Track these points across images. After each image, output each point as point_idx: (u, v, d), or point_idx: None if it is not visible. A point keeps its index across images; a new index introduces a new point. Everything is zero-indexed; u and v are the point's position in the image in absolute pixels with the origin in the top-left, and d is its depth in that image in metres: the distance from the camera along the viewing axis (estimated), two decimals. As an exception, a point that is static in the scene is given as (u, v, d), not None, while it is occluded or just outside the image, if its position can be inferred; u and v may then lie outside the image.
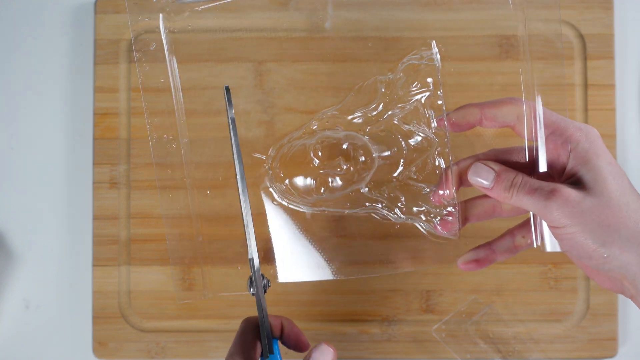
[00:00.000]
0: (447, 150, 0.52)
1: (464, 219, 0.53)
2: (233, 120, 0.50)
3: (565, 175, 0.48)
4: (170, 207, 0.54)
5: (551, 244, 0.49)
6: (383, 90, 0.54)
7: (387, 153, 0.54)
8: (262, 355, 0.50)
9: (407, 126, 0.54)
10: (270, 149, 0.55)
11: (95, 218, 0.67)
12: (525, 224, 0.51)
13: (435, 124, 0.53)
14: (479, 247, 0.52)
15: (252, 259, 0.49)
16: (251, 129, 0.64)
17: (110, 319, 0.67)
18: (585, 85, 0.68)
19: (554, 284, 0.67)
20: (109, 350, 0.67)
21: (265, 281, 0.50)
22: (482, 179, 0.48)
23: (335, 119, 0.55)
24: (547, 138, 0.48)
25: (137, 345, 0.67)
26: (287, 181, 0.54)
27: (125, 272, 0.67)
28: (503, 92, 0.65)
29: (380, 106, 0.54)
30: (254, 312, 0.50)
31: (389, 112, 0.54)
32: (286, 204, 0.55)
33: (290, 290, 0.67)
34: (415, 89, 0.53)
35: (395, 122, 0.54)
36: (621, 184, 0.46)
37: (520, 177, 0.47)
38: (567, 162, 0.47)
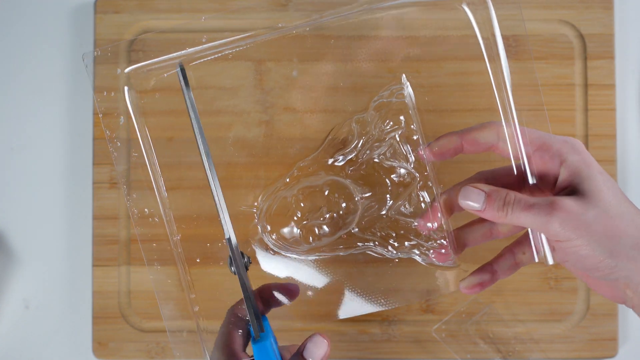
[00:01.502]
0: (430, 183, 0.52)
1: (462, 244, 0.52)
2: (191, 99, 0.49)
3: (557, 189, 0.47)
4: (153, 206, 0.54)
5: (553, 257, 0.48)
6: (358, 130, 0.54)
7: (369, 194, 0.54)
8: (252, 336, 0.48)
9: (388, 162, 0.54)
10: (260, 198, 0.55)
11: (95, 218, 0.67)
12: (523, 239, 0.50)
13: (413, 158, 0.53)
14: (480, 269, 0.51)
15: (229, 238, 0.49)
16: (251, 129, 0.64)
17: (110, 319, 0.67)
18: (585, 85, 0.68)
19: (554, 284, 0.67)
20: (109, 350, 0.67)
21: (245, 259, 0.49)
22: (472, 201, 0.47)
23: (317, 164, 0.55)
24: (533, 154, 0.48)
25: (137, 345, 0.67)
26: (274, 235, 0.54)
27: (125, 272, 0.67)
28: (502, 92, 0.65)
29: (359, 146, 0.54)
30: None
31: (368, 151, 0.54)
32: (283, 254, 0.55)
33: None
34: (388, 127, 0.53)
35: (375, 160, 0.54)
36: (615, 192, 0.46)
37: (513, 195, 0.46)
38: (558, 175, 0.47)
